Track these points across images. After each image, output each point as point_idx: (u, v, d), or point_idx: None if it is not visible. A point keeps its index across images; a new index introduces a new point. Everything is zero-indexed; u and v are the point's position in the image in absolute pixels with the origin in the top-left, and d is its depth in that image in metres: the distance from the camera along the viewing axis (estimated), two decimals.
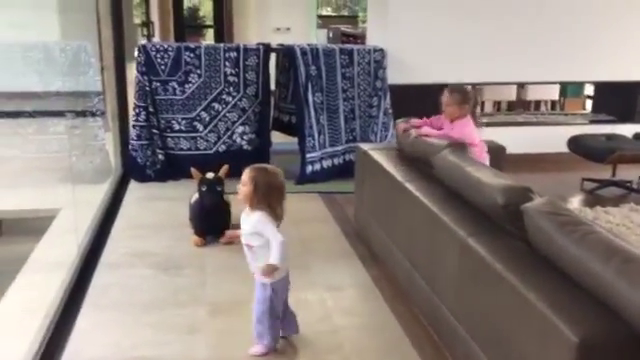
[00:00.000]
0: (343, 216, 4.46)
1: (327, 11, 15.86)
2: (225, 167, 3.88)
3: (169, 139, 5.25)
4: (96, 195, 4.65)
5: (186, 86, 5.20)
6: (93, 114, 5.99)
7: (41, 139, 5.93)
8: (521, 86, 7.53)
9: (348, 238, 4.03)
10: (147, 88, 5.11)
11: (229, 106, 5.28)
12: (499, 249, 2.32)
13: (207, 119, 5.27)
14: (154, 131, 5.18)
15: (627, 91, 6.47)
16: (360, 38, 9.29)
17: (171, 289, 3.26)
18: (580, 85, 7.92)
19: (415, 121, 3.82)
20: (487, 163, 3.52)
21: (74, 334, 2.80)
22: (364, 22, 9.67)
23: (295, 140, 5.37)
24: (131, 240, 3.91)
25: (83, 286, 3.26)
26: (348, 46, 5.88)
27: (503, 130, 5.77)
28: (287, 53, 5.42)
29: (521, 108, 7.70)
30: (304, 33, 9.52)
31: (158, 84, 5.15)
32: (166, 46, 5.21)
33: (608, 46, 6.16)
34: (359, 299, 3.28)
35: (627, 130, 5.78)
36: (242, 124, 5.31)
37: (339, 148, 5.50)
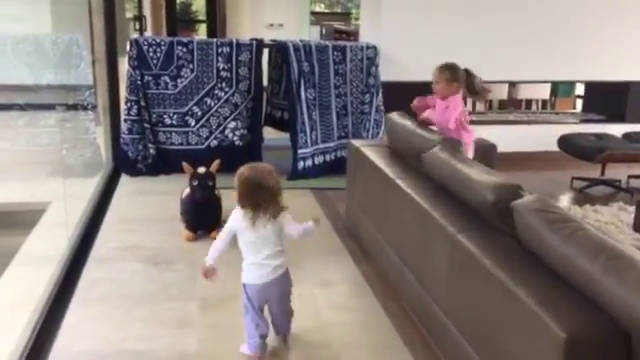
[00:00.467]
0: (334, 212, 4.47)
1: (320, 8, 15.87)
2: (216, 162, 3.87)
3: (161, 133, 5.24)
4: (87, 189, 4.64)
5: (178, 80, 5.18)
6: (84, 107, 5.96)
7: (32, 132, 5.89)
8: (512, 85, 7.57)
9: (339, 234, 4.04)
10: (139, 82, 5.09)
11: (221, 101, 5.27)
12: (489, 246, 2.34)
13: (199, 114, 5.25)
14: (146, 125, 5.16)
15: (617, 91, 6.52)
16: (353, 35, 9.31)
17: (161, 283, 3.26)
18: (571, 85, 7.98)
19: (415, 102, 3.89)
20: (472, 150, 3.58)
21: (64, 328, 2.79)
22: (357, 19, 9.67)
23: (287, 136, 5.37)
24: (122, 234, 3.90)
25: (73, 280, 3.25)
26: (341, 43, 5.88)
27: (494, 128, 5.81)
28: (280, 49, 5.42)
29: (512, 107, 7.75)
30: (297, 29, 9.51)
31: (150, 78, 5.14)
32: (158, 40, 5.19)
33: (599, 46, 6.20)
34: (350, 295, 3.29)
35: (617, 130, 5.83)
36: (234, 119, 5.31)
37: (331, 144, 5.50)
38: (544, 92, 7.97)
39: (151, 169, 5.19)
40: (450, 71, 3.67)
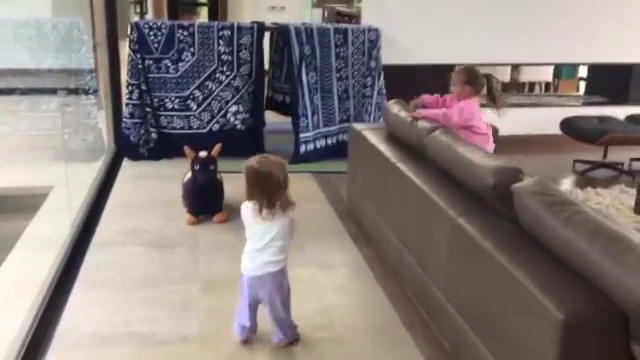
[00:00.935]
0: (336, 196, 4.48)
1: None
2: (218, 146, 3.87)
3: (162, 117, 5.24)
4: (89, 173, 4.65)
5: (179, 64, 5.17)
6: (86, 92, 5.96)
7: (33, 116, 5.90)
8: (515, 67, 7.53)
9: (341, 217, 4.05)
10: (140, 66, 5.08)
11: (222, 85, 5.26)
12: (489, 229, 2.35)
13: (200, 98, 5.25)
14: (147, 109, 5.16)
15: (620, 73, 6.48)
16: (355, 17, 9.24)
17: (164, 267, 3.28)
18: (574, 67, 7.93)
19: (426, 97, 3.81)
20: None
21: (67, 311, 2.82)
22: (359, 2, 9.60)
23: (289, 120, 5.37)
24: (124, 218, 3.92)
25: (76, 263, 3.27)
26: (342, 25, 5.85)
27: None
28: (281, 32, 5.39)
29: (515, 89, 7.70)
30: (299, 12, 9.46)
31: (151, 62, 5.13)
32: (159, 24, 5.17)
33: (602, 28, 6.15)
34: (351, 278, 3.31)
35: (620, 112, 5.80)
36: (235, 103, 5.30)
37: (333, 128, 5.50)
38: (547, 75, 7.94)
39: (153, 153, 5.20)
40: (467, 75, 3.63)
